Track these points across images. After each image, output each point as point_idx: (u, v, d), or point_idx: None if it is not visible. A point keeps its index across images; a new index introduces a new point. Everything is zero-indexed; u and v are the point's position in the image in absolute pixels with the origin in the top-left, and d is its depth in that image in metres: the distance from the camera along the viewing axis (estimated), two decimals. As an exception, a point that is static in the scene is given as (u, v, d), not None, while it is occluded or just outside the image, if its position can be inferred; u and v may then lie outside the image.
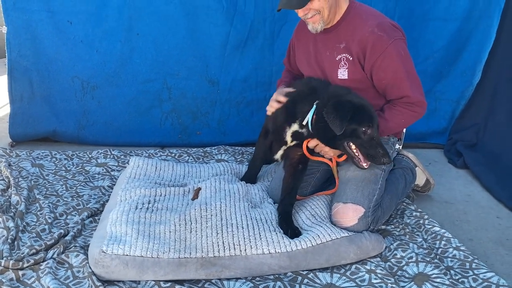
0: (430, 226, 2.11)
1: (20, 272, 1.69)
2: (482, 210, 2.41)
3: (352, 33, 2.03)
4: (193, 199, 2.09)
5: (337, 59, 2.08)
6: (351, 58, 2.05)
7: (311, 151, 2.08)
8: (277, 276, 1.76)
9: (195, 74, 3.10)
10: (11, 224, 1.97)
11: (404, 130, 2.31)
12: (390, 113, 2.06)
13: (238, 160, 2.88)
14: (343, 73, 2.08)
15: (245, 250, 1.75)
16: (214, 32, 3.00)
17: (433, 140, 3.33)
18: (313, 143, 2.04)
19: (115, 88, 3.07)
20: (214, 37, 3.01)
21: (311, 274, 1.77)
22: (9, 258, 1.73)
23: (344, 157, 2.08)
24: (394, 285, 1.72)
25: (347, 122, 1.84)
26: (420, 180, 2.44)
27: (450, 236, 2.02)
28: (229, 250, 1.75)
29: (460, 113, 3.25)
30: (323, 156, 2.11)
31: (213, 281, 1.71)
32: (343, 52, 2.06)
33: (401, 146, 2.34)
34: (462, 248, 1.95)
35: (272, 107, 2.13)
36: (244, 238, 1.79)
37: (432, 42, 3.10)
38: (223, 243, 1.76)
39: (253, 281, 1.72)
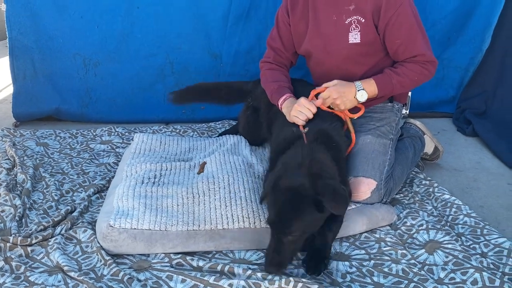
0: (440, 194, 2.08)
1: (29, 248, 1.69)
2: (493, 177, 2.38)
3: None
4: (199, 173, 2.08)
5: (346, 22, 1.99)
6: (363, 20, 1.96)
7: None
8: (286, 246, 1.74)
9: (197, 48, 3.04)
10: (18, 202, 1.96)
11: (410, 94, 2.25)
12: (403, 69, 1.97)
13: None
14: (355, 37, 1.99)
15: (255, 223, 1.74)
16: (215, 4, 2.92)
17: (441, 109, 3.26)
18: (326, 94, 1.92)
19: (117, 64, 3.03)
20: (215, 8, 2.94)
21: (320, 244, 1.76)
22: (17, 235, 1.73)
23: (359, 114, 1.97)
24: (404, 251, 1.70)
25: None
26: (429, 148, 2.40)
27: (461, 203, 1.99)
28: (238, 222, 1.73)
29: (469, 81, 3.17)
30: (333, 109, 1.98)
31: (223, 251, 1.71)
32: (353, 15, 1.97)
33: (407, 111, 2.29)
34: (473, 214, 1.92)
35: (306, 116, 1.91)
36: (253, 211, 1.78)
37: (440, 7, 2.99)
38: (232, 215, 1.75)
39: (264, 250, 1.70)
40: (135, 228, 1.66)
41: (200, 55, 3.05)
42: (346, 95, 1.91)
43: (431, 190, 2.13)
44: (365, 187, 1.90)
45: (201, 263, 1.60)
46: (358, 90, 1.92)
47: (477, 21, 3.03)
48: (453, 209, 1.97)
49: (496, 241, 1.74)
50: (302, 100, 1.93)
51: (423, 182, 2.21)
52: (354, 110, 1.98)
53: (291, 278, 1.49)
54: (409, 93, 2.26)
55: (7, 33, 2.91)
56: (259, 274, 1.53)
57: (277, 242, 1.52)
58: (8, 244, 1.67)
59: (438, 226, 1.84)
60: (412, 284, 1.54)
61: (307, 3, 2.09)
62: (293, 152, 1.74)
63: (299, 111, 1.92)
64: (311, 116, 1.90)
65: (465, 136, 2.92)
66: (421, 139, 2.31)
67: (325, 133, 1.83)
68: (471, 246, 1.74)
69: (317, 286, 1.46)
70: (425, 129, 2.37)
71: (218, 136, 2.65)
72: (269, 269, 1.52)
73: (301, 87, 2.15)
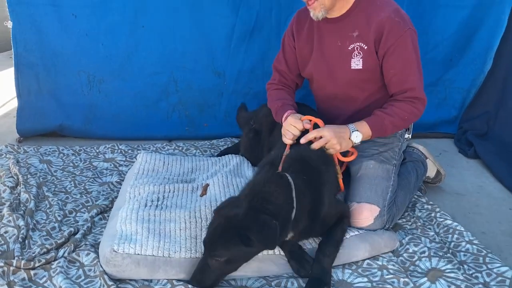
0: (442, 219, 2.09)
1: (32, 272, 1.69)
2: (495, 202, 2.38)
3: (367, 20, 1.96)
4: (201, 195, 2.08)
5: (349, 48, 2.01)
6: (366, 47, 1.98)
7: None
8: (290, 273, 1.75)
9: (201, 66, 3.07)
10: (21, 222, 1.97)
11: None
12: (393, 108, 1.96)
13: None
14: (357, 63, 2.01)
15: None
16: (219, 24, 2.96)
17: (443, 130, 3.27)
18: (317, 134, 1.86)
19: (122, 81, 3.06)
20: (219, 28, 2.97)
21: (323, 270, 1.76)
22: (20, 257, 1.74)
23: (351, 158, 1.96)
24: (407, 280, 1.70)
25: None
26: (431, 171, 2.41)
27: (463, 230, 1.99)
28: (240, 249, 1.73)
29: (470, 102, 3.19)
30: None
31: (225, 278, 1.70)
32: (356, 41, 1.99)
33: (410, 135, 2.29)
34: (475, 241, 1.92)
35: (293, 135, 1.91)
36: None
37: (442, 29, 3.02)
38: (234, 241, 1.75)
39: (266, 277, 1.71)
40: (138, 254, 1.66)
41: (204, 74, 3.08)
42: (342, 135, 1.88)
43: (433, 215, 2.13)
44: (368, 213, 1.91)
45: (203, 290, 1.60)
46: (352, 132, 1.90)
47: (479, 43, 3.06)
48: (455, 236, 1.97)
49: (498, 270, 1.75)
50: (289, 118, 1.95)
51: (425, 206, 2.21)
52: (345, 154, 1.97)
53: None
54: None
55: (12, 49, 2.94)
56: (261, 303, 1.54)
57: (204, 261, 1.59)
58: (11, 268, 1.68)
59: (440, 253, 1.85)
60: (415, 315, 1.54)
61: (313, 27, 2.12)
62: (254, 179, 1.78)
63: (286, 130, 1.94)
64: (297, 133, 1.90)
65: (467, 157, 2.93)
66: (424, 164, 2.32)
67: (303, 161, 1.79)
68: (473, 275, 1.74)
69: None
70: (427, 153, 2.38)
71: (219, 155, 2.66)
72: (191, 282, 1.60)
73: (302, 112, 2.16)
